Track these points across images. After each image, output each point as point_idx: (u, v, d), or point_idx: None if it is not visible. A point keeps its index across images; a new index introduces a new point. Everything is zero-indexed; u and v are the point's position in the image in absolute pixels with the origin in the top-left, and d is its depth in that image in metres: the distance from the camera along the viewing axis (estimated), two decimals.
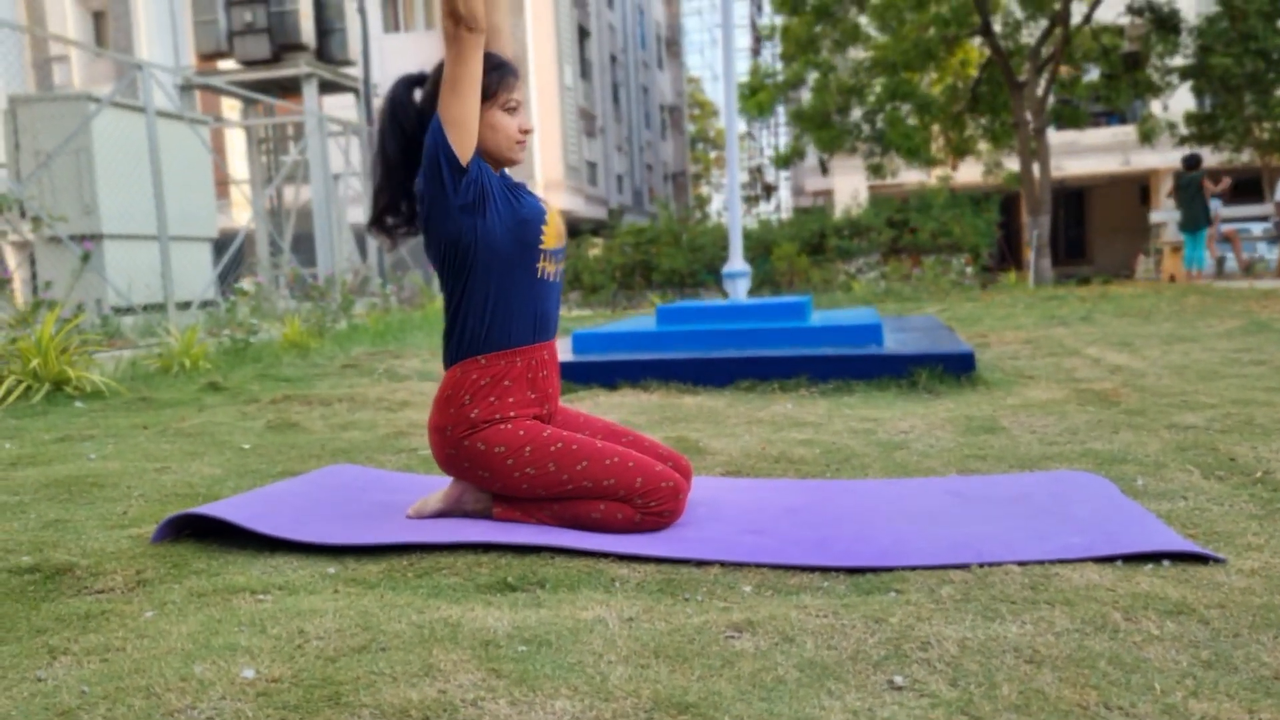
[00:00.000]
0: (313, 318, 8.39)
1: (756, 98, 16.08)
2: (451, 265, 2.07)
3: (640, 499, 2.02)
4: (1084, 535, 1.89)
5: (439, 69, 2.09)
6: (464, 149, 2.00)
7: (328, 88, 13.55)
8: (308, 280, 10.91)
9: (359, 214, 15.76)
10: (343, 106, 19.49)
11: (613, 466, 2.03)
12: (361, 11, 13.70)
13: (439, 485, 2.48)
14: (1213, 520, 2.06)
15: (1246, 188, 22.28)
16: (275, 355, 6.49)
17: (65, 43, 7.30)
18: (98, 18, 26.07)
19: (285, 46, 12.57)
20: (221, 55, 12.93)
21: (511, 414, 2.06)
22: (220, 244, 10.91)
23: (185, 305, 8.94)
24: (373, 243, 13.04)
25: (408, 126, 2.12)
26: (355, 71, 14.51)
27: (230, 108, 21.15)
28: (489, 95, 2.09)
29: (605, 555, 1.91)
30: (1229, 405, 3.40)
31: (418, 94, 2.16)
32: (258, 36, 12.44)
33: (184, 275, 9.23)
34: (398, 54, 24.46)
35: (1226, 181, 11.29)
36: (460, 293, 2.08)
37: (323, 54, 13.18)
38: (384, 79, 23.65)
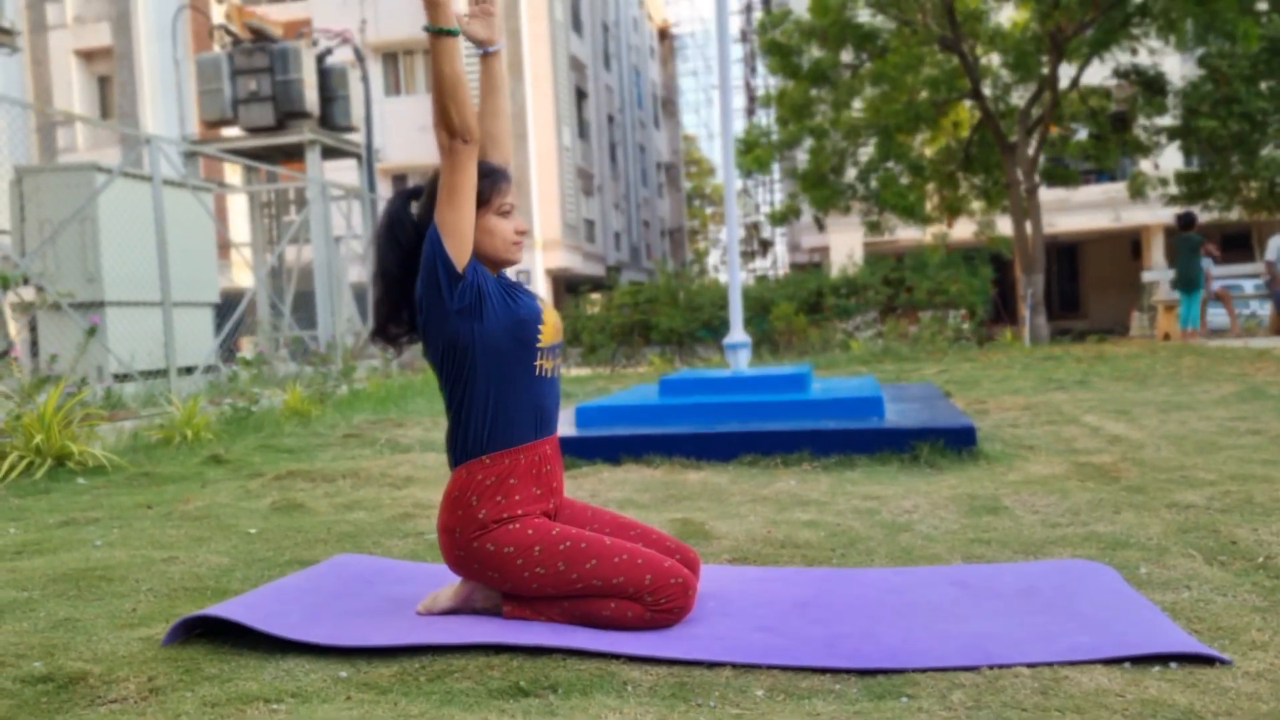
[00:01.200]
0: (314, 384, 8.43)
1: (754, 154, 16.31)
2: (451, 368, 2.11)
3: (650, 596, 2.04)
4: (1091, 635, 1.90)
5: (434, 180, 2.15)
6: (460, 256, 2.06)
7: (330, 153, 13.76)
8: (308, 345, 10.97)
9: (360, 273, 15.89)
10: (344, 169, 19.77)
11: (622, 564, 2.05)
12: (364, 79, 13.97)
13: (448, 576, 2.49)
14: (1217, 614, 2.07)
15: (1236, 242, 22.56)
16: (277, 424, 6.51)
17: (72, 118, 7.41)
18: (103, 82, 26.53)
19: (289, 114, 12.79)
20: (226, 123, 13.14)
21: (519, 512, 2.09)
22: (222, 306, 10.98)
23: (188, 371, 8.98)
24: None
25: (404, 240, 2.18)
26: (358, 137, 14.75)
27: (233, 171, 21.44)
28: (484, 201, 2.15)
29: (617, 656, 1.92)
30: (1228, 481, 3.42)
31: (414, 207, 2.22)
32: (262, 104, 12.66)
33: (187, 341, 9.28)
34: (399, 117, 24.87)
35: (1217, 251, 11.50)
36: (461, 394, 2.12)
37: (325, 121, 13.40)
38: (385, 142, 24.05)
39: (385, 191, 24.59)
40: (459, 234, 2.05)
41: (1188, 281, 11.27)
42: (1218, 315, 14.02)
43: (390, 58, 25.47)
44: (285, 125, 12.90)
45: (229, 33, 13.03)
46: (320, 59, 13.36)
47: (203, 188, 10.72)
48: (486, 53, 2.30)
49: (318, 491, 4.07)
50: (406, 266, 2.16)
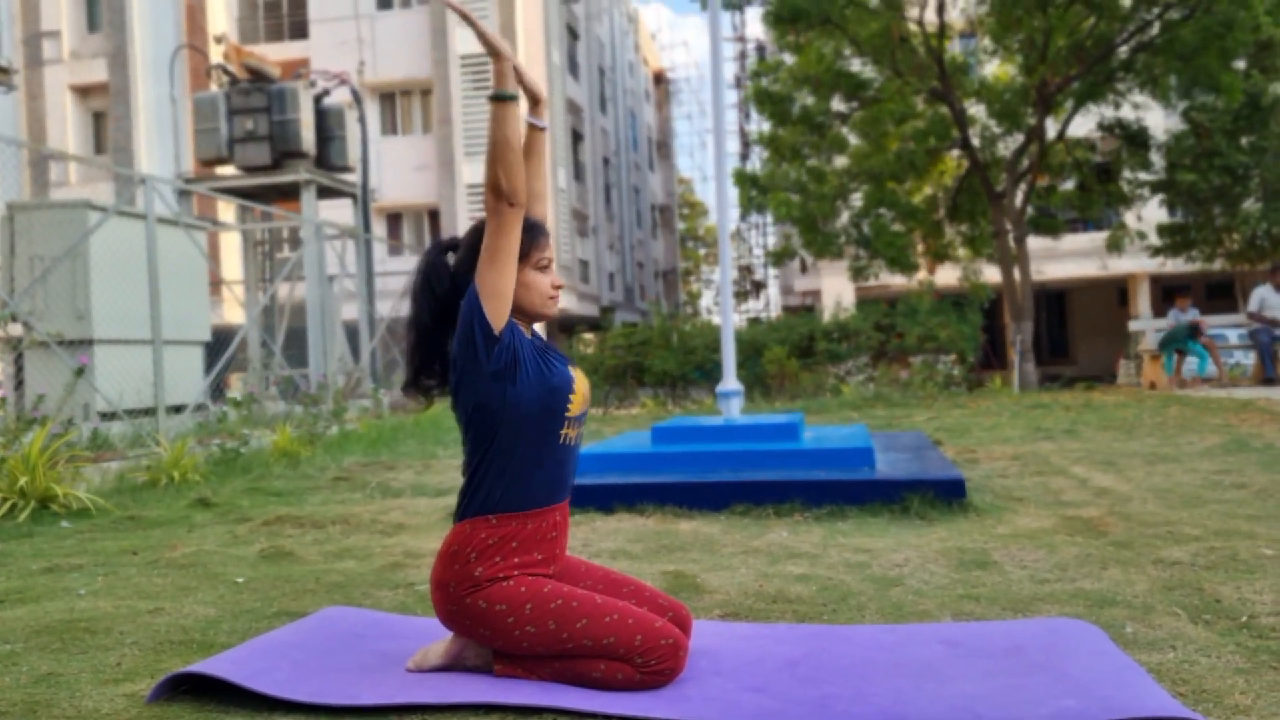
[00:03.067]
0: (304, 424, 8.41)
1: (778, 195, 16.38)
2: (477, 427, 2.11)
3: (640, 658, 2.03)
4: (1078, 698, 1.91)
5: (474, 234, 2.17)
6: (498, 317, 2.07)
7: (326, 192, 13.84)
8: (299, 384, 10.95)
9: (352, 311, 15.90)
10: (339, 208, 19.87)
11: (613, 624, 2.05)
12: (361, 120, 14.10)
13: (439, 631, 2.48)
14: (1201, 675, 2.08)
15: (1220, 292, 22.80)
16: (266, 465, 6.48)
17: (67, 158, 7.48)
18: (98, 118, 26.67)
19: (285, 154, 12.88)
20: (222, 161, 13.22)
21: (515, 573, 2.09)
22: (212, 344, 10.97)
23: (177, 410, 8.95)
24: (366, 343, 13.14)
25: (440, 291, 2.19)
26: (353, 176, 14.85)
27: (226, 209, 21.53)
28: (522, 255, 2.15)
29: (608, 717, 1.91)
30: (1213, 537, 3.44)
31: (451, 258, 2.23)
32: (259, 144, 12.75)
33: (176, 379, 9.26)
34: (395, 156, 25.06)
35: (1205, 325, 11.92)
36: (482, 453, 2.11)
37: (322, 160, 13.50)
38: (381, 182, 24.21)
39: (380, 231, 24.71)
40: (499, 295, 2.06)
41: (1173, 346, 11.83)
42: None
43: (387, 98, 25.71)
44: (281, 164, 12.99)
45: (226, 72, 13.16)
46: (318, 99, 13.50)
47: (196, 226, 10.76)
48: (535, 127, 2.30)
49: (307, 538, 4.05)
50: (441, 318, 2.18)
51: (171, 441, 6.33)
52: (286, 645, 2.31)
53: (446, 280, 2.19)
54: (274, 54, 22.96)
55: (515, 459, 2.10)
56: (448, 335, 2.16)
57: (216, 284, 17.31)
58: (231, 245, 23.34)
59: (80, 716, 1.96)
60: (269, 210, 11.13)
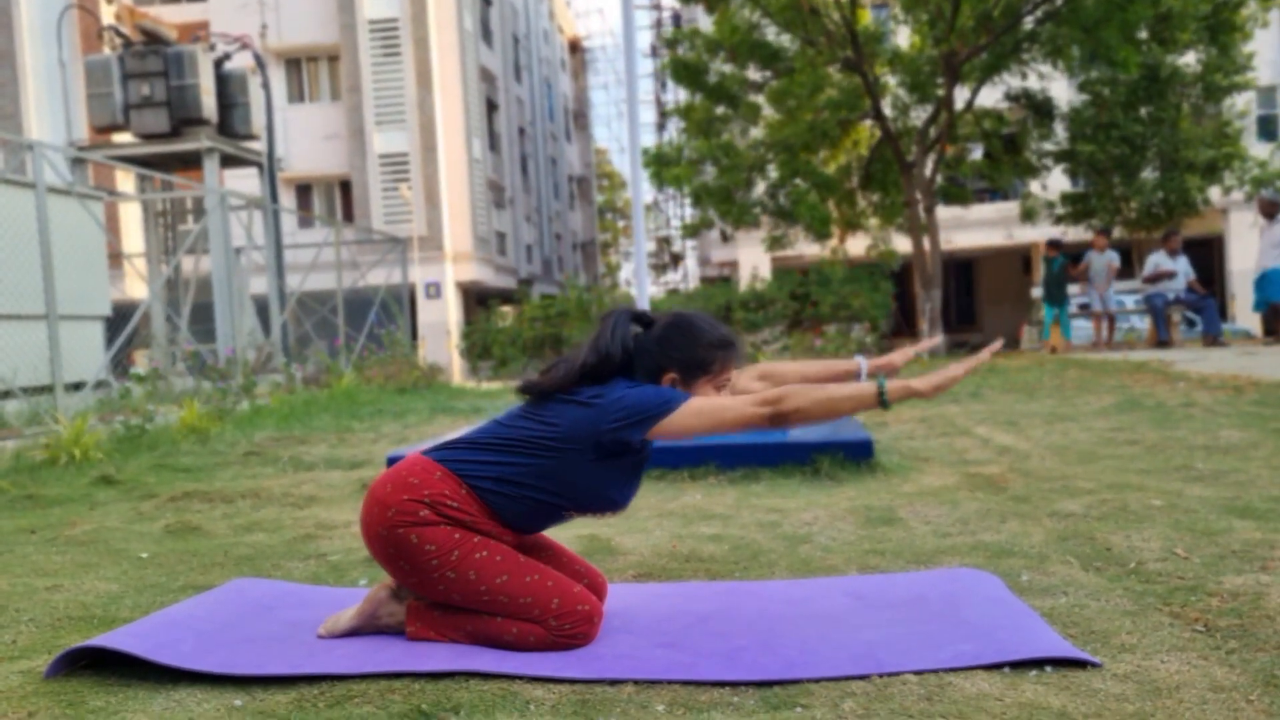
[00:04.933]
0: (213, 399, 8.17)
1: (673, 170, 16.44)
2: (540, 443, 2.09)
3: (555, 620, 2.04)
4: (974, 642, 2.00)
5: (681, 365, 2.15)
6: (651, 438, 2.08)
7: (230, 161, 13.37)
8: (206, 359, 10.62)
9: (261, 285, 15.44)
10: (245, 178, 19.22)
11: (532, 585, 2.06)
12: (265, 86, 13.62)
13: (350, 599, 2.46)
14: (1090, 618, 2.20)
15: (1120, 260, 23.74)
16: (173, 441, 6.29)
17: None
18: None
19: (185, 120, 12.37)
20: (117, 128, 12.64)
21: (454, 527, 2.07)
22: (113, 319, 10.55)
23: (76, 387, 8.59)
24: (276, 317, 12.79)
25: (614, 352, 2.15)
26: (258, 145, 14.36)
27: (125, 179, 20.62)
28: (709, 370, 2.17)
29: (520, 677, 1.93)
30: (1105, 490, 3.62)
31: (635, 328, 2.22)
32: (156, 110, 12.21)
33: (74, 356, 8.88)
34: (303, 124, 24.31)
35: (1082, 267, 12.25)
36: (515, 452, 2.09)
37: (225, 128, 13.01)
38: (289, 151, 23.46)
39: (288, 201, 24.00)
40: (673, 436, 2.05)
41: (1054, 295, 12.18)
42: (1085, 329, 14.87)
43: (293, 64, 24.88)
44: (181, 132, 12.47)
45: (119, 34, 12.55)
46: (218, 64, 12.98)
47: (91, 196, 10.29)
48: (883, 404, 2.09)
49: (215, 513, 3.95)
50: (600, 366, 2.14)
51: (71, 419, 6.08)
52: (192, 617, 2.26)
53: (621, 348, 2.16)
54: (170, 15, 21.98)
55: (526, 487, 2.09)
56: (592, 379, 2.14)
57: (116, 257, 16.62)
58: (132, 217, 22.40)
59: None
60: (169, 180, 10.70)
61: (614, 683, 1.90)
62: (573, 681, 1.91)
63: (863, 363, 2.37)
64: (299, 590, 2.59)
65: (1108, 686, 1.79)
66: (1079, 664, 1.89)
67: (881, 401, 2.01)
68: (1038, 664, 1.90)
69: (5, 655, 2.16)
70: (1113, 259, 11.97)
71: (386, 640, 2.13)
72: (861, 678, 1.86)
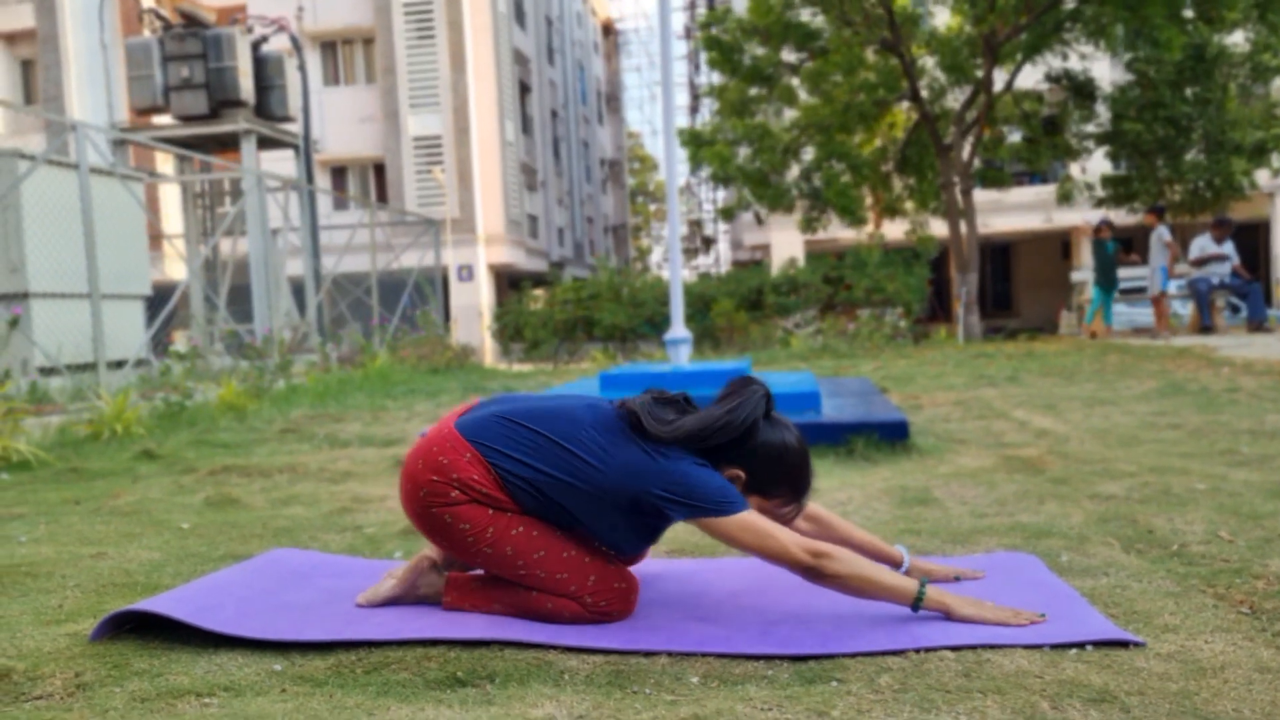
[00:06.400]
0: (250, 378, 8.27)
1: (712, 149, 16.31)
2: (583, 470, 2.02)
3: (590, 597, 2.04)
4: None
5: (753, 476, 2.11)
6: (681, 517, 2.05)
7: (266, 143, 13.49)
8: (244, 338, 10.76)
9: (297, 267, 15.58)
10: (282, 160, 19.38)
11: (569, 560, 2.05)
12: (301, 69, 13.72)
13: (386, 570, 2.48)
14: (1132, 599, 2.16)
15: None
16: (211, 418, 6.38)
17: None
18: (26, 66, 25.62)
19: (223, 103, 12.51)
20: (157, 110, 12.81)
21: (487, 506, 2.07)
22: (154, 299, 10.71)
23: (118, 365, 8.74)
24: (312, 298, 12.91)
25: (739, 441, 2.09)
26: (294, 127, 14.47)
27: (165, 160, 20.88)
28: (768, 497, 2.13)
29: (554, 647, 1.94)
30: (1147, 473, 3.55)
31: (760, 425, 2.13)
32: (195, 92, 12.36)
33: (116, 334, 9.04)
34: (338, 107, 24.46)
35: (1134, 257, 11.99)
36: (554, 470, 2.03)
37: (261, 110, 13.13)
38: (324, 134, 23.64)
39: (323, 183, 24.20)
40: (711, 534, 2.01)
41: (1105, 280, 11.90)
42: (1140, 314, 14.54)
43: (329, 47, 25.02)
44: (219, 114, 12.62)
45: (159, 17, 12.69)
46: (255, 46, 13.09)
47: (133, 177, 10.44)
48: (913, 606, 2.03)
49: (253, 486, 4.01)
50: (726, 444, 2.09)
51: (113, 395, 6.18)
52: (232, 584, 2.29)
53: (737, 439, 2.09)
54: None
55: (552, 499, 2.04)
56: (712, 447, 2.08)
57: (157, 238, 16.86)
58: (171, 199, 22.69)
59: (21, 655, 1.93)
60: (208, 161, 10.83)
61: (648, 654, 1.90)
62: (607, 652, 1.91)
63: (906, 556, 2.33)
64: (336, 561, 2.62)
65: (1150, 665, 1.76)
66: (1121, 644, 1.86)
67: (914, 605, 1.99)
68: (1078, 643, 1.87)
69: (52, 619, 2.20)
70: (1163, 234, 11.63)
71: (423, 610, 2.14)
72: (898, 653, 1.85)
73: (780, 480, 2.12)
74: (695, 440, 2.05)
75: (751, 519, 1.98)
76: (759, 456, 2.10)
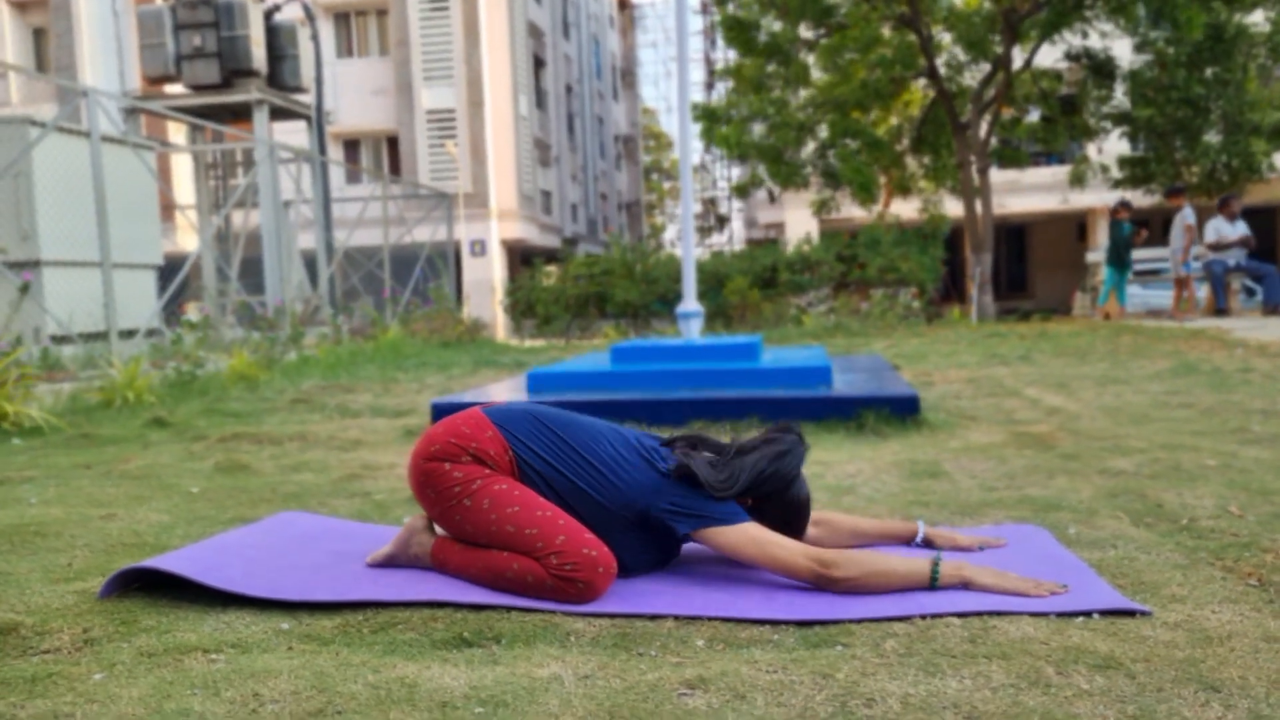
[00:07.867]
0: (261, 349, 8.30)
1: (723, 132, 16.21)
2: (599, 483, 2.08)
3: (556, 558, 1.97)
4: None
5: (776, 514, 2.16)
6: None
7: (279, 114, 13.46)
8: (256, 310, 10.79)
9: (309, 240, 15.60)
10: (294, 131, 19.36)
11: (541, 519, 2.02)
12: (314, 39, 13.66)
13: (393, 535, 2.49)
14: (1140, 570, 2.15)
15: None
16: (222, 388, 6.41)
17: (4, 68, 7.19)
18: (38, 34, 25.60)
19: (236, 72, 12.47)
20: (169, 79, 12.79)
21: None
22: (166, 270, 10.74)
23: (129, 334, 8.78)
24: (324, 270, 12.93)
25: (776, 491, 2.16)
26: (307, 98, 14.43)
27: (177, 130, 20.87)
28: (780, 519, 2.16)
29: (560, 611, 1.94)
30: (1158, 450, 3.53)
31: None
32: (207, 61, 12.33)
33: (128, 303, 9.08)
34: (351, 79, 24.38)
35: (1144, 233, 11.86)
36: (571, 475, 2.09)
37: (274, 80, 13.09)
38: (338, 105, 23.57)
39: (336, 155, 24.16)
40: (717, 548, 2.05)
41: (1119, 260, 11.80)
42: (1154, 296, 14.43)
43: (342, 18, 24.92)
44: (231, 83, 12.59)
45: None
46: (268, 15, 13.04)
47: (144, 146, 10.44)
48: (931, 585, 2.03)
49: (263, 453, 4.03)
50: (770, 499, 2.16)
51: (124, 364, 6.21)
52: (240, 545, 2.31)
53: (772, 477, 2.14)
54: None
55: (566, 501, 2.09)
56: (760, 495, 2.15)
57: (169, 208, 16.89)
58: (183, 170, 22.71)
59: (30, 611, 1.95)
60: (220, 130, 10.81)
61: (654, 617, 1.90)
62: (613, 616, 1.91)
63: (922, 527, 2.34)
64: (343, 525, 2.63)
65: (1157, 634, 1.75)
66: (1128, 614, 1.85)
67: (931, 585, 1.99)
68: (1085, 611, 1.86)
69: (62, 577, 2.22)
70: (1188, 216, 11.47)
71: (430, 572, 2.15)
72: (903, 619, 1.85)
73: (780, 523, 2.18)
74: (748, 492, 2.12)
75: (756, 530, 2.04)
76: (777, 500, 2.17)
